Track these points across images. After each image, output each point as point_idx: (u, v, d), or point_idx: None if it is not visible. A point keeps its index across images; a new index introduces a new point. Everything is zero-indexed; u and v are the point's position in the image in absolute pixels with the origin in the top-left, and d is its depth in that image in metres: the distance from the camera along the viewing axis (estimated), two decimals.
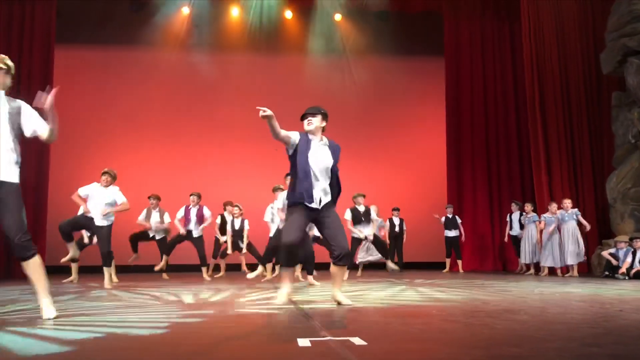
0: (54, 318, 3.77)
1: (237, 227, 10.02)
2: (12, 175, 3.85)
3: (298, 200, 4.64)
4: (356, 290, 6.37)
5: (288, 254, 4.64)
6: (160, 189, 10.53)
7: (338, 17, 13.76)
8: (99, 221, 7.38)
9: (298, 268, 8.79)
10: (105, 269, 7.40)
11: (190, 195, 9.86)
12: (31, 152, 11.48)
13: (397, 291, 6.36)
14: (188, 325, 3.51)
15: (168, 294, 5.97)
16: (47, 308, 3.81)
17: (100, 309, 4.56)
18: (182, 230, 9.61)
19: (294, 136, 4.72)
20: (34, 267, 3.79)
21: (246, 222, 10.03)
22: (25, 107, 4.01)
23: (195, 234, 9.66)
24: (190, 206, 9.80)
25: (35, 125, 3.98)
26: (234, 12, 13.51)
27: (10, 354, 2.51)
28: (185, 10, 13.30)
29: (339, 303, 4.68)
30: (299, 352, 2.52)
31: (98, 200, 7.42)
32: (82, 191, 7.51)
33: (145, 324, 3.56)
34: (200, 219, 9.73)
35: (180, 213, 9.82)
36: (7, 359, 2.42)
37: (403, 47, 13.65)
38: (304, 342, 2.74)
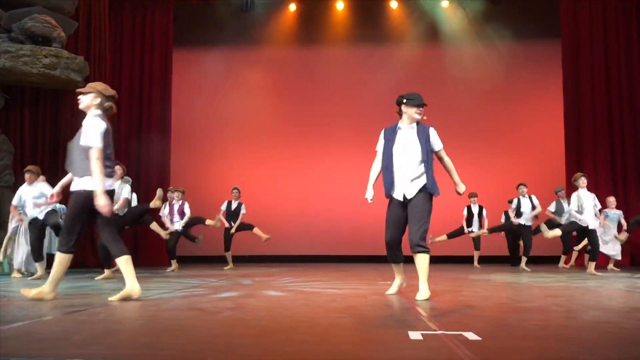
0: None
1: (233, 208, 10.42)
2: None
3: (388, 193, 4.71)
4: (472, 284, 6.20)
5: (388, 251, 4.80)
6: (274, 188, 10.89)
7: (445, 3, 13.41)
8: (38, 214, 7.62)
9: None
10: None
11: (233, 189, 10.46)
12: (153, 152, 12.32)
13: (513, 285, 6.12)
14: (298, 314, 3.59)
15: (262, 284, 6.15)
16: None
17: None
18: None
19: (380, 146, 4.85)
20: None
21: (243, 206, 10.48)
22: None
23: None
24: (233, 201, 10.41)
25: None
26: (339, 5, 13.60)
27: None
28: (292, 7, 13.58)
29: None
30: (411, 346, 2.49)
31: (28, 198, 7.72)
32: (15, 201, 7.90)
33: (259, 312, 3.69)
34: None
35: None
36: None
37: (515, 30, 12.97)
38: (415, 335, 2.71)
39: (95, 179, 4.30)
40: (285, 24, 13.70)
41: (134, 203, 8.17)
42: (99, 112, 4.55)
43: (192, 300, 4.53)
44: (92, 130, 4.39)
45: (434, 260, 5.31)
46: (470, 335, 2.67)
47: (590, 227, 8.36)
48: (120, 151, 12.33)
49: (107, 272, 7.52)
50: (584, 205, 8.36)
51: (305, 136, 13.41)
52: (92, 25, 11.52)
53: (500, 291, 5.49)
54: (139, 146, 12.38)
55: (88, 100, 4.56)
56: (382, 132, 4.83)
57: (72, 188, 4.51)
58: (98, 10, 11.61)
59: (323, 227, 12.95)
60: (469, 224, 10.92)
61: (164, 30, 12.81)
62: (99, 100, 4.56)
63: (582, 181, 8.50)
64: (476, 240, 11.16)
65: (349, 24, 13.62)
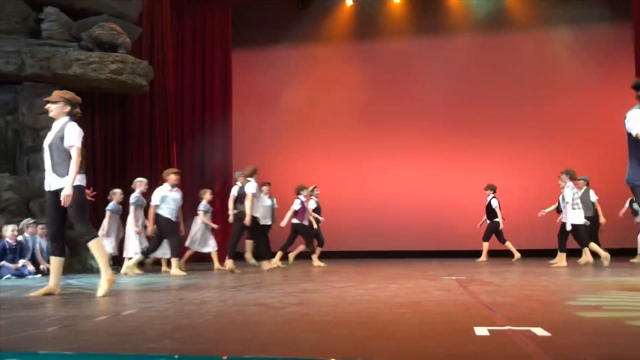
0: None
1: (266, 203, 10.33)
2: None
3: None
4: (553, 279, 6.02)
5: None
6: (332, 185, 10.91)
7: None
8: None
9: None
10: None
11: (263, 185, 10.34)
12: (216, 150, 12.62)
13: (583, 280, 5.90)
14: (361, 310, 3.60)
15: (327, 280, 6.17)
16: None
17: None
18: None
19: None
20: None
21: (274, 200, 10.55)
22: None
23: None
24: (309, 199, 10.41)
25: None
26: None
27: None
28: (349, 2, 13.56)
29: None
30: (477, 342, 2.45)
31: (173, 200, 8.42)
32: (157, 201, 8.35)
33: (322, 308, 3.72)
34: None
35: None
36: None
37: (579, 14, 12.42)
38: (481, 331, 2.66)
39: (72, 173, 4.81)
40: (342, 20, 13.68)
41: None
42: (68, 118, 5.05)
43: (257, 295, 4.61)
44: (74, 133, 4.94)
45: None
46: (539, 331, 2.60)
47: None
48: (184, 151, 12.71)
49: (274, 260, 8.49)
50: None
51: (369, 131, 13.33)
52: (155, 30, 11.91)
53: (570, 286, 5.31)
54: (201, 145, 12.71)
55: (59, 109, 5.06)
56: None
57: (54, 187, 4.91)
58: (160, 15, 11.99)
59: (385, 222, 12.88)
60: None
61: (223, 32, 13.09)
62: (68, 108, 5.08)
63: None
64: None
65: (407, 16, 13.46)
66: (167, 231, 8.25)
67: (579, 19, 12.45)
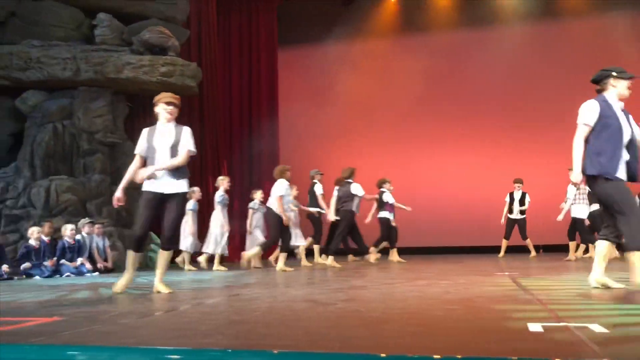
0: None
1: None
2: None
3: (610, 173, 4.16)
4: None
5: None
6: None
7: None
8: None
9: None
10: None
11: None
12: (264, 147, 12.76)
13: None
14: (412, 306, 3.57)
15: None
16: None
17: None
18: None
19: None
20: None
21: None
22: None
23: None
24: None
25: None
26: None
27: None
28: None
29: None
30: (531, 338, 2.40)
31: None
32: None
33: (371, 304, 3.71)
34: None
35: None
36: None
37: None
38: (535, 327, 2.60)
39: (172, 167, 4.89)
40: (387, 14, 13.59)
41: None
42: (175, 122, 5.12)
43: (306, 292, 4.65)
44: (192, 138, 5.03)
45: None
46: (596, 328, 2.52)
47: None
48: (234, 149, 12.92)
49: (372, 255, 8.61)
50: None
51: (418, 125, 13.19)
52: (202, 32, 12.14)
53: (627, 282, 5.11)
54: (249, 144, 12.89)
55: (177, 113, 5.11)
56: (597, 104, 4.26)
57: (169, 190, 4.89)
58: (207, 17, 12.21)
59: (435, 217, 12.71)
60: None
61: (269, 30, 13.23)
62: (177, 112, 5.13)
63: None
64: None
65: (452, 8, 13.25)
66: (275, 226, 8.15)
67: (637, 3, 11.97)
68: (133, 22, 10.71)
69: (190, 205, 8.90)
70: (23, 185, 9.68)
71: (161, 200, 4.90)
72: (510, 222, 10.65)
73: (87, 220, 9.14)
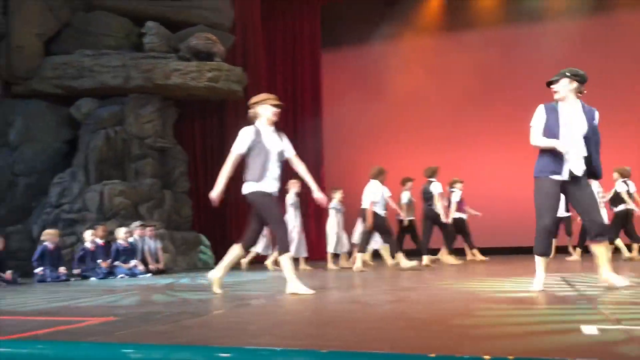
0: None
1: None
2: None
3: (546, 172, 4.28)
4: None
5: (545, 239, 4.33)
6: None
7: None
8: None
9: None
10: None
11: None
12: (309, 150, 12.82)
13: None
14: (460, 308, 3.53)
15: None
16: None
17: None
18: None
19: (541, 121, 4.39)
20: None
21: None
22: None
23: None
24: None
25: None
26: None
27: None
28: None
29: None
30: (585, 340, 2.33)
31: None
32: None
33: (418, 305, 3.69)
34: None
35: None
36: None
37: None
38: (590, 329, 2.53)
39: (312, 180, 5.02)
40: (431, 12, 13.44)
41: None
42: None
43: (354, 293, 4.65)
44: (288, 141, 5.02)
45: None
46: None
47: None
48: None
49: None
50: None
51: (465, 124, 12.92)
52: (247, 37, 12.32)
53: None
54: (294, 145, 12.94)
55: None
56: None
57: (271, 190, 4.82)
58: (252, 22, 12.38)
59: (488, 217, 12.45)
60: None
61: (312, 32, 13.30)
62: None
63: None
64: None
65: (498, 3, 13.00)
66: (381, 226, 8.18)
67: None
68: (180, 29, 10.97)
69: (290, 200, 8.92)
70: (78, 189, 10.03)
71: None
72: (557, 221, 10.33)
73: (138, 223, 9.39)
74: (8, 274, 7.77)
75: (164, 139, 10.79)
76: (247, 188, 4.81)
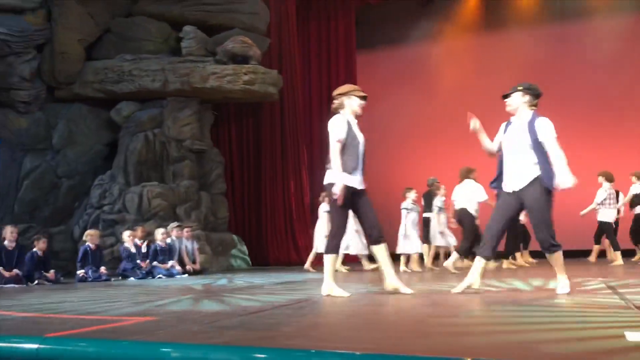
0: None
1: None
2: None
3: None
4: None
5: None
6: None
7: None
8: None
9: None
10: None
11: None
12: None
13: None
14: (499, 311, 3.47)
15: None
16: None
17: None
18: None
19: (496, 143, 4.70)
20: None
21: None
22: None
23: None
24: None
25: None
26: None
27: None
28: None
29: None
30: (629, 348, 2.26)
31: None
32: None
33: (455, 309, 3.64)
34: None
35: None
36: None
37: None
38: (634, 336, 2.45)
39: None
40: (468, 12, 13.27)
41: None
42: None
43: (390, 296, 4.62)
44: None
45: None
46: None
47: None
48: (314, 152, 13.05)
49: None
50: None
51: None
52: (282, 39, 12.39)
53: None
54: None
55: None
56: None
57: (355, 185, 4.67)
58: (287, 24, 12.45)
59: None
60: None
61: (347, 35, 13.29)
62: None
63: None
64: None
65: (536, 2, 12.75)
66: (470, 227, 8.07)
67: None
68: (217, 33, 11.11)
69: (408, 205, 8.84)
70: (118, 191, 10.26)
71: (351, 196, 4.63)
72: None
73: (175, 224, 9.54)
74: (51, 273, 7.99)
75: (201, 141, 10.95)
76: (332, 178, 4.67)
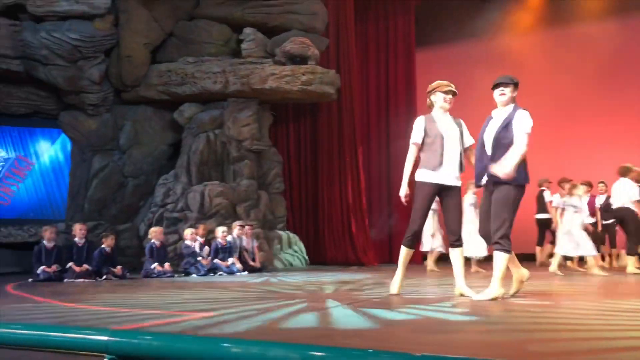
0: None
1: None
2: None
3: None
4: None
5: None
6: None
7: None
8: None
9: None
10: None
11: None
12: (401, 156, 12.69)
13: None
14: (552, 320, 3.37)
15: None
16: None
17: None
18: None
19: None
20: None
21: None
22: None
23: None
24: None
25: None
26: None
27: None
28: None
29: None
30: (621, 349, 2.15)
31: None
32: None
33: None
34: None
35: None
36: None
37: None
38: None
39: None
40: (528, 7, 12.87)
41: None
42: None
43: (452, 302, 4.56)
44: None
45: None
46: None
47: None
48: (372, 151, 12.98)
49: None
50: None
51: (570, 123, 12.30)
52: (340, 39, 12.40)
53: None
54: (387, 148, 12.89)
55: (452, 102, 5.00)
56: None
57: (443, 181, 4.70)
58: (345, 23, 12.44)
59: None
60: None
61: (406, 33, 13.14)
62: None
63: None
64: None
65: None
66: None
67: None
68: (276, 34, 11.25)
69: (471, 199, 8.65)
70: (181, 190, 10.57)
71: (439, 192, 4.69)
72: None
73: (240, 222, 9.73)
74: (118, 268, 8.32)
75: (260, 141, 11.12)
76: (420, 175, 4.78)
